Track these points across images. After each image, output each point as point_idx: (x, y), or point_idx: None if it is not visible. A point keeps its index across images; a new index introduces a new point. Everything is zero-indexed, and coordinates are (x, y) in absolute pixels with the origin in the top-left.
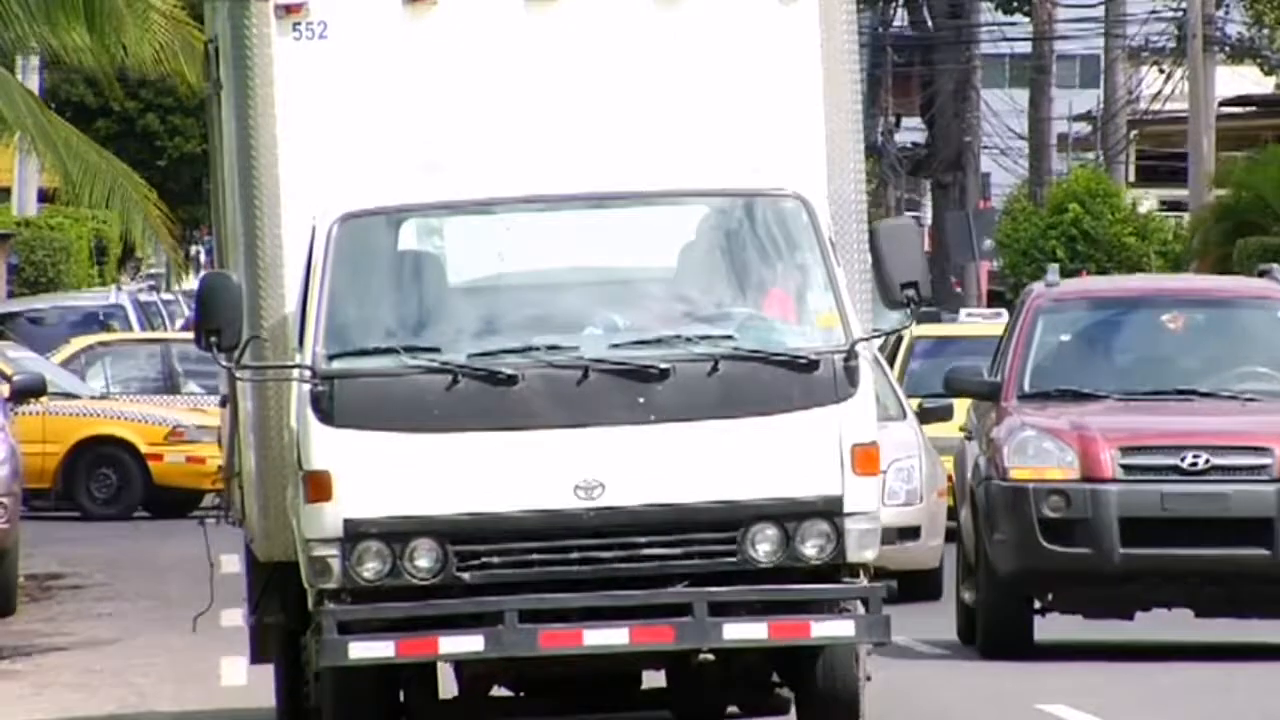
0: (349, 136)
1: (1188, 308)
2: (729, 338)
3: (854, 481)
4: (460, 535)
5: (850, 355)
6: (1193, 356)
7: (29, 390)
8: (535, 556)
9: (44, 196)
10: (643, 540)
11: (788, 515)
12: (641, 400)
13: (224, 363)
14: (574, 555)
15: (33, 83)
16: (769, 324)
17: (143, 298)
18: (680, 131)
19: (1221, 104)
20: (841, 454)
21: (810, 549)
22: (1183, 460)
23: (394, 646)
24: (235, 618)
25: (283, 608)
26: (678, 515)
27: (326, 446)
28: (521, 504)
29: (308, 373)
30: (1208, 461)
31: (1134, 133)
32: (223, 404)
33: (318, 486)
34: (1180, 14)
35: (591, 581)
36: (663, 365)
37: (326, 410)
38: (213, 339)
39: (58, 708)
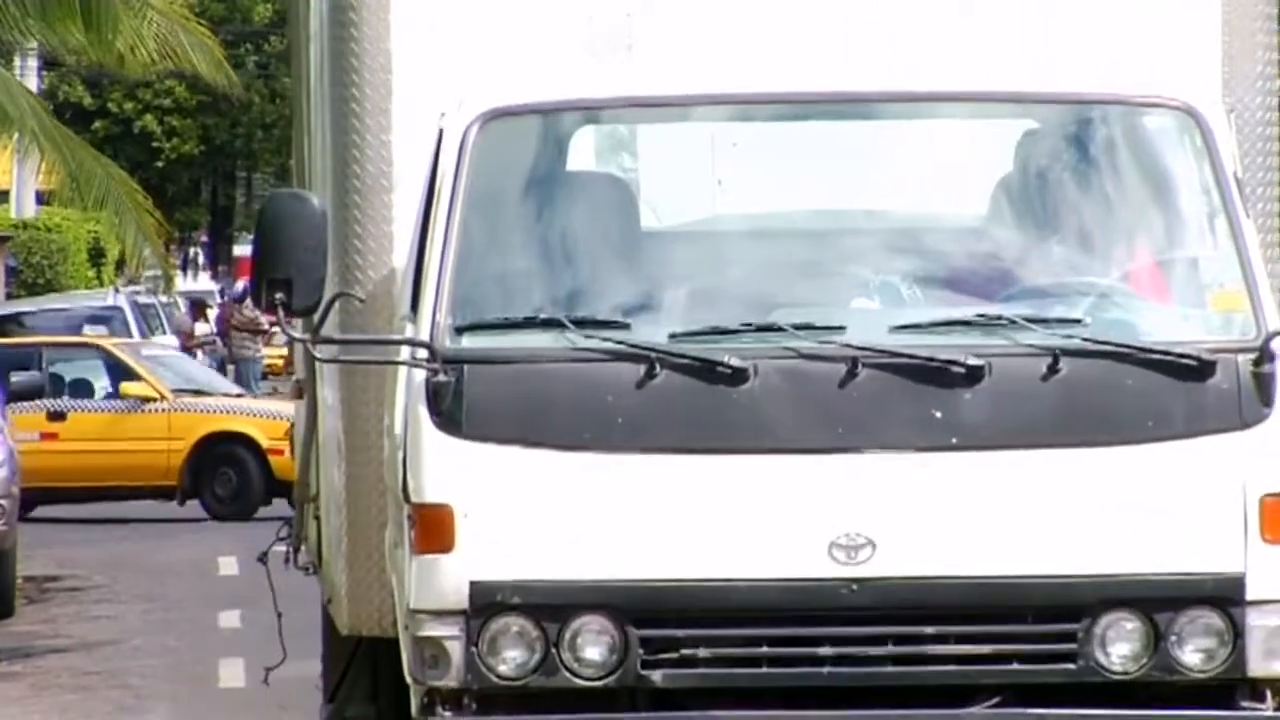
0: None
1: None
2: (1076, 322)
3: (1263, 553)
4: (649, 613)
5: (1263, 356)
6: None
7: (27, 392)
8: (764, 650)
9: (42, 199)
10: (931, 631)
11: (1158, 602)
12: (938, 414)
13: (296, 333)
14: (825, 651)
15: (31, 83)
16: (1138, 303)
17: (141, 300)
18: (1000, 12)
19: None
20: (1245, 508)
21: (1192, 654)
22: None
23: None
24: (233, 619)
25: (372, 696)
26: (987, 595)
27: (448, 468)
28: (745, 569)
29: (424, 353)
30: None
31: None
32: (296, 394)
33: (433, 529)
34: None
35: (851, 691)
36: (973, 361)
37: (451, 412)
38: (278, 295)
39: (56, 709)
